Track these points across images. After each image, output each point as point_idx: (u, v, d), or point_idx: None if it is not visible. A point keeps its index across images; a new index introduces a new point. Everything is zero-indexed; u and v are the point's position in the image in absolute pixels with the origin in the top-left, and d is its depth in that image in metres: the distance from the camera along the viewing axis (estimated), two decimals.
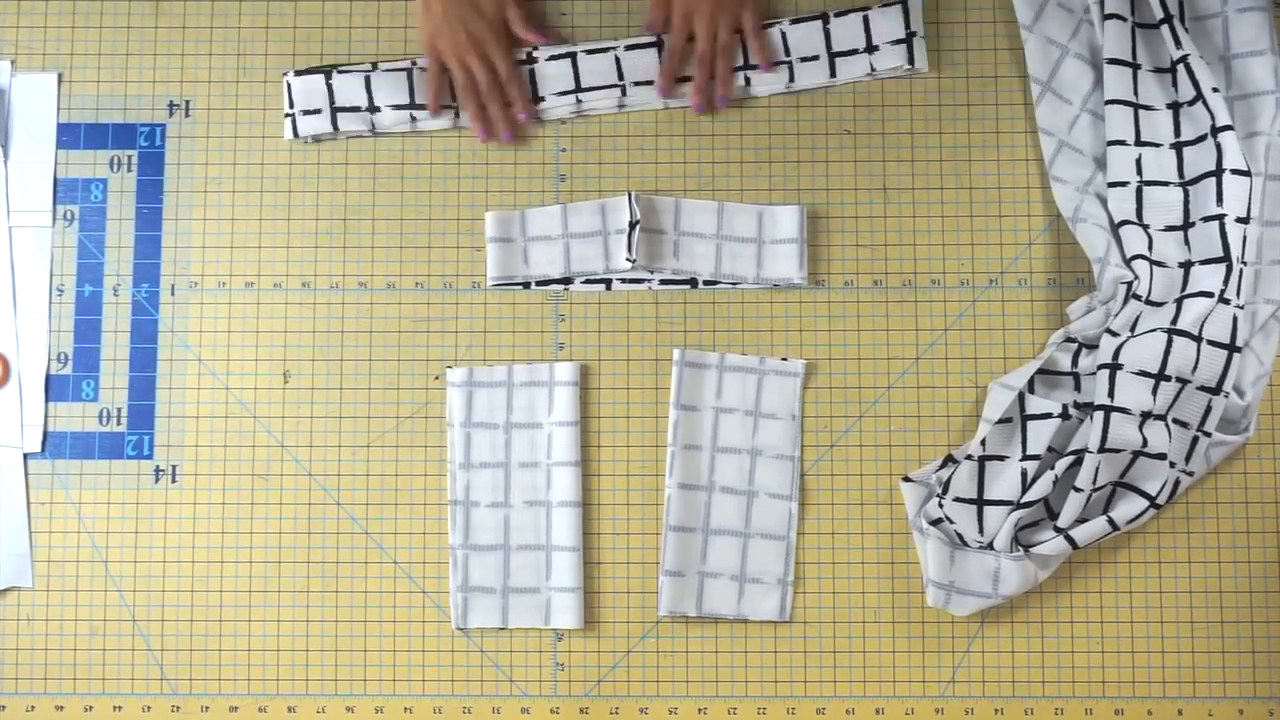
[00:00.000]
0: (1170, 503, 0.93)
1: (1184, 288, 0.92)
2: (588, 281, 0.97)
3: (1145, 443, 0.89)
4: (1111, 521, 0.90)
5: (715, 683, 0.95)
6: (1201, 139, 0.94)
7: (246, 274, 0.98)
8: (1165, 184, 0.95)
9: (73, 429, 0.97)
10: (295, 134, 0.98)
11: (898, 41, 0.97)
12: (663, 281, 0.97)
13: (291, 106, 0.98)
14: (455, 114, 0.99)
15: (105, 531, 0.96)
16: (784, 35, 0.97)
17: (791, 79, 0.97)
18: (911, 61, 0.97)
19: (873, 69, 0.97)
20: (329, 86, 0.98)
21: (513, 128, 0.98)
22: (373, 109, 0.98)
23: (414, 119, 0.98)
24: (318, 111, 0.98)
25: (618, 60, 0.98)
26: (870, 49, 0.97)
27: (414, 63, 0.98)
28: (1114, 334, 0.91)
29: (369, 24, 1.00)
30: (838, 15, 0.97)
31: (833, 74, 0.97)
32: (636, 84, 0.98)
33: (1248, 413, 0.93)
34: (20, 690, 0.96)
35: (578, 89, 0.98)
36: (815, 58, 0.97)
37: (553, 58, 0.98)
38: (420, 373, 0.97)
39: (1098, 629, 0.95)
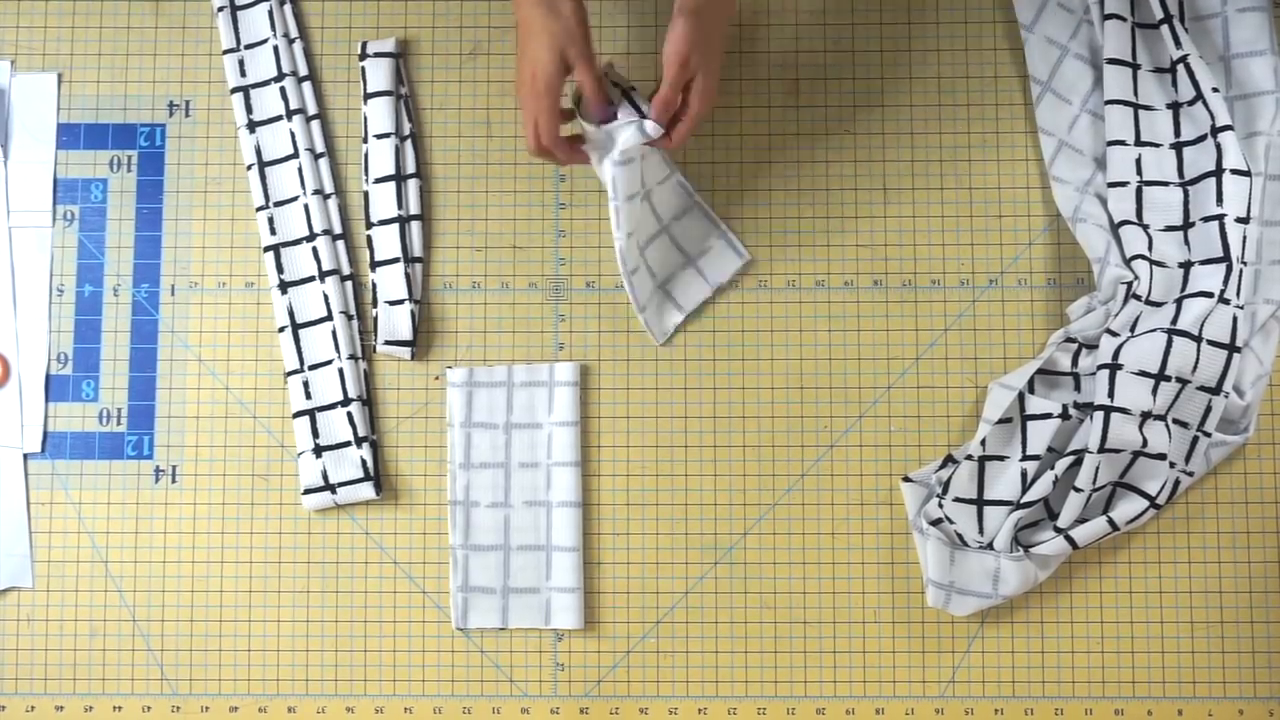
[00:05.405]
0: (1170, 503, 0.93)
1: (1184, 288, 0.92)
2: None
3: (1145, 443, 0.89)
4: (1111, 522, 0.90)
5: (715, 683, 0.95)
6: (1201, 139, 0.94)
7: (246, 274, 0.98)
8: (1165, 184, 0.95)
9: (73, 429, 0.97)
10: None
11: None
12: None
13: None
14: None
15: (105, 532, 0.96)
16: None
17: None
18: None
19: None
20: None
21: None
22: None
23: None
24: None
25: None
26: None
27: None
28: (1114, 334, 0.91)
29: (369, 25, 1.00)
30: None
31: None
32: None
33: (1247, 413, 0.93)
34: (20, 690, 0.95)
35: None
36: None
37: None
38: (420, 373, 0.97)
39: (1098, 629, 0.95)
